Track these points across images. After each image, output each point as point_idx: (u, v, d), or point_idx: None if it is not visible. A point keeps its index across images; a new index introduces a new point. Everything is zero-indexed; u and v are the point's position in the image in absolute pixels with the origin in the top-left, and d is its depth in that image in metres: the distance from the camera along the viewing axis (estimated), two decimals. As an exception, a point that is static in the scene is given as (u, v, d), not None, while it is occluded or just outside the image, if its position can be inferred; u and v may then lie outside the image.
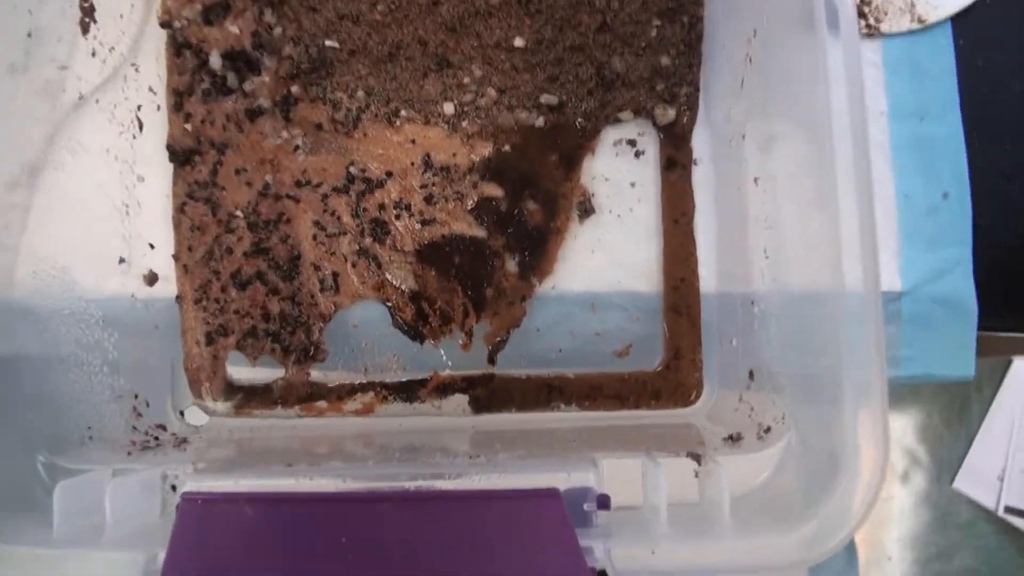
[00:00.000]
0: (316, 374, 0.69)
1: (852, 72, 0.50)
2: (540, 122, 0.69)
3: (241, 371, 0.69)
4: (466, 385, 0.69)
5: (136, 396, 0.64)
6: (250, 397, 0.69)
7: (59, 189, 0.63)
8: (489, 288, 0.69)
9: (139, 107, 0.67)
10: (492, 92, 0.69)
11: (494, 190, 0.70)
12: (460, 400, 0.69)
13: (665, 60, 0.69)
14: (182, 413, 0.68)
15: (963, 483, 0.97)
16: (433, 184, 0.69)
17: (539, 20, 0.68)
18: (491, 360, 0.70)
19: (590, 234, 0.70)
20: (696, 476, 0.51)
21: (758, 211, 0.61)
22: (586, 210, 0.70)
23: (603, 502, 0.48)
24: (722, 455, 0.52)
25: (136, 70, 0.67)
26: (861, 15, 0.73)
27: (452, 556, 0.44)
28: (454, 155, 0.70)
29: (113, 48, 0.66)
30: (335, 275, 0.69)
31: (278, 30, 0.68)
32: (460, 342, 0.69)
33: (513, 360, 0.70)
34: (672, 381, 0.69)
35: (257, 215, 0.69)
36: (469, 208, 0.70)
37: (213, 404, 0.69)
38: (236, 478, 0.49)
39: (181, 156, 0.68)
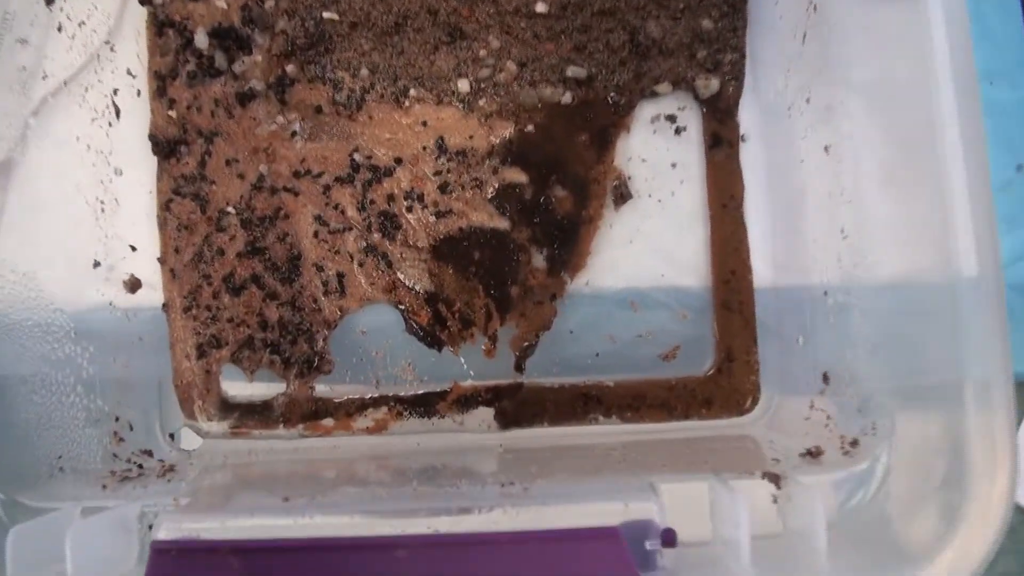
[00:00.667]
0: (321, 388, 0.62)
1: (956, 26, 0.42)
2: (567, 98, 0.62)
3: (237, 387, 0.62)
4: (491, 397, 0.62)
5: (117, 419, 0.57)
6: (248, 416, 0.62)
7: (21, 183, 0.55)
8: (514, 287, 0.62)
9: (115, 91, 0.60)
10: (512, 66, 0.62)
11: (517, 176, 0.62)
12: (485, 414, 0.62)
13: (707, 23, 0.61)
14: (172, 436, 0.60)
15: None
16: (448, 171, 0.62)
17: (564, -19, 0.60)
18: (519, 368, 0.62)
19: (627, 222, 0.62)
20: (775, 502, 0.42)
21: (831, 185, 0.53)
22: (622, 195, 0.62)
23: (668, 538, 0.40)
24: (802, 474, 0.43)
25: (112, 49, 0.60)
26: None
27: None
28: (471, 138, 0.62)
29: (83, 23, 0.59)
30: (340, 276, 0.61)
31: (270, 3, 0.61)
32: (483, 348, 0.62)
33: (544, 367, 0.62)
34: (725, 386, 0.61)
35: (251, 211, 0.61)
36: (489, 197, 0.62)
37: (207, 424, 0.61)
38: (223, 518, 0.41)
39: (165, 147, 0.61)
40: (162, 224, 0.61)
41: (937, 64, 0.43)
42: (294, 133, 0.62)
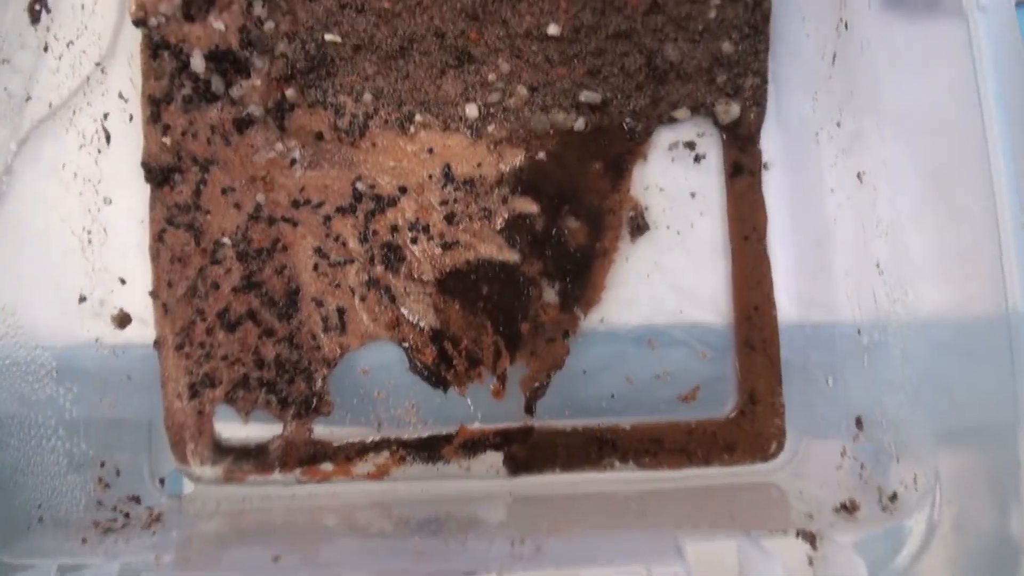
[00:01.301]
0: (320, 430, 0.59)
1: (1006, 46, 0.40)
2: (580, 124, 0.60)
3: (231, 429, 0.59)
4: (500, 441, 0.59)
5: (102, 464, 0.54)
6: (242, 459, 0.59)
7: (2, 213, 0.53)
8: (525, 323, 0.59)
9: (106, 116, 0.58)
10: (522, 90, 0.59)
11: (528, 205, 0.60)
12: (493, 459, 0.59)
13: (727, 46, 0.59)
14: (162, 481, 0.57)
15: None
16: (455, 200, 0.59)
17: (577, 2, 0.59)
18: (529, 410, 0.59)
19: (644, 255, 0.60)
20: (811, 564, 0.39)
21: (864, 216, 0.51)
22: (638, 226, 0.59)
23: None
24: (839, 532, 0.40)
25: (102, 71, 0.58)
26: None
27: None
28: (479, 165, 0.60)
29: (72, 43, 0.57)
30: (340, 311, 0.59)
31: (270, 24, 0.59)
32: (491, 388, 0.59)
33: (556, 409, 0.59)
34: (748, 430, 0.58)
35: (248, 242, 0.59)
36: (498, 227, 0.60)
37: (199, 469, 0.59)
38: (208, 580, 0.38)
39: (159, 175, 0.59)
40: (155, 256, 0.59)
41: (985, 87, 0.40)
42: (293, 161, 0.60)
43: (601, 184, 0.61)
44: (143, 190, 0.59)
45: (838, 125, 0.56)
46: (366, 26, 0.59)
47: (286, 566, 0.39)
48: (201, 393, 0.59)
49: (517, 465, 0.59)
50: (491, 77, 0.60)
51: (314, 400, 0.59)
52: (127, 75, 0.59)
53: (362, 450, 0.60)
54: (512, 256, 0.60)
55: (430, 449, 0.59)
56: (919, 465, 0.44)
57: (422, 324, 0.60)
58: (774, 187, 0.60)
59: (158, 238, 0.60)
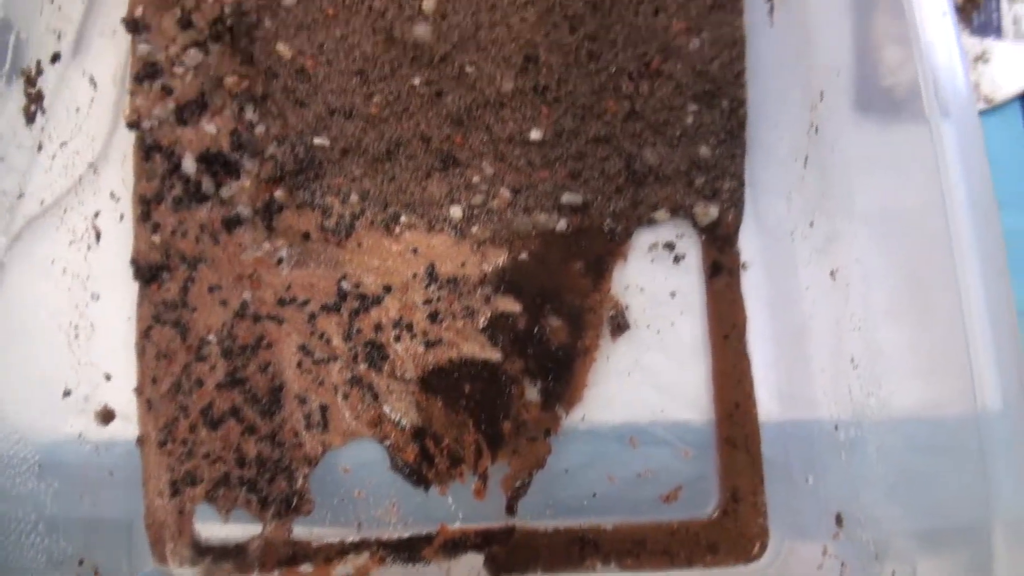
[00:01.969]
0: (300, 530, 0.62)
1: (971, 150, 0.44)
2: (562, 225, 0.64)
3: (211, 528, 0.62)
4: (481, 541, 0.62)
5: (81, 562, 0.57)
6: (221, 560, 0.62)
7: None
8: (507, 421, 0.63)
9: (96, 214, 0.64)
10: (506, 192, 0.64)
11: (510, 305, 0.64)
12: (474, 561, 0.62)
13: (704, 150, 0.64)
14: (139, 581, 0.60)
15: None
16: (439, 299, 0.63)
17: (558, 109, 0.64)
18: (511, 509, 0.62)
19: (625, 354, 0.64)
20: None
21: (838, 312, 0.56)
22: (619, 325, 0.63)
23: None
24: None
25: (94, 172, 0.64)
26: (920, 96, 0.68)
27: None
28: (463, 265, 0.64)
29: (66, 143, 0.63)
30: (323, 409, 0.63)
31: (260, 128, 0.64)
32: (473, 488, 0.62)
33: (537, 509, 0.62)
34: (731, 530, 0.61)
35: (233, 339, 0.63)
36: (481, 326, 0.64)
37: (178, 569, 0.62)
38: None
39: (147, 273, 0.64)
40: (140, 352, 0.63)
41: (953, 190, 0.44)
42: (280, 260, 0.64)
43: (582, 284, 0.65)
44: (131, 287, 0.64)
45: (811, 225, 0.61)
46: (354, 131, 0.65)
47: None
48: (182, 491, 0.62)
49: (498, 566, 0.62)
50: (475, 179, 0.65)
51: (294, 499, 0.62)
52: (119, 175, 0.65)
53: (342, 551, 0.62)
54: (494, 355, 0.63)
55: (410, 550, 0.62)
56: (897, 561, 0.47)
57: (404, 422, 0.63)
58: (752, 286, 0.65)
59: (144, 335, 0.64)
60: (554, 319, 0.65)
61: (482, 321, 0.64)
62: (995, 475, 0.42)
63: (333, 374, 0.64)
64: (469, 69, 0.64)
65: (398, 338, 0.65)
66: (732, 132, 0.66)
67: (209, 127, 0.66)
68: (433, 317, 0.65)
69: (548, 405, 0.64)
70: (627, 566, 0.62)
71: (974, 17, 0.72)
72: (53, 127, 0.62)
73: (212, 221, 0.65)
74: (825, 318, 0.60)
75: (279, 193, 0.65)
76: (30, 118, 0.61)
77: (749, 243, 0.65)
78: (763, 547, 0.62)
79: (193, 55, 0.66)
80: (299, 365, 0.64)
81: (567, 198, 0.65)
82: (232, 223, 0.65)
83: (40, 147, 0.61)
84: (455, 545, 0.62)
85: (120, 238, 0.64)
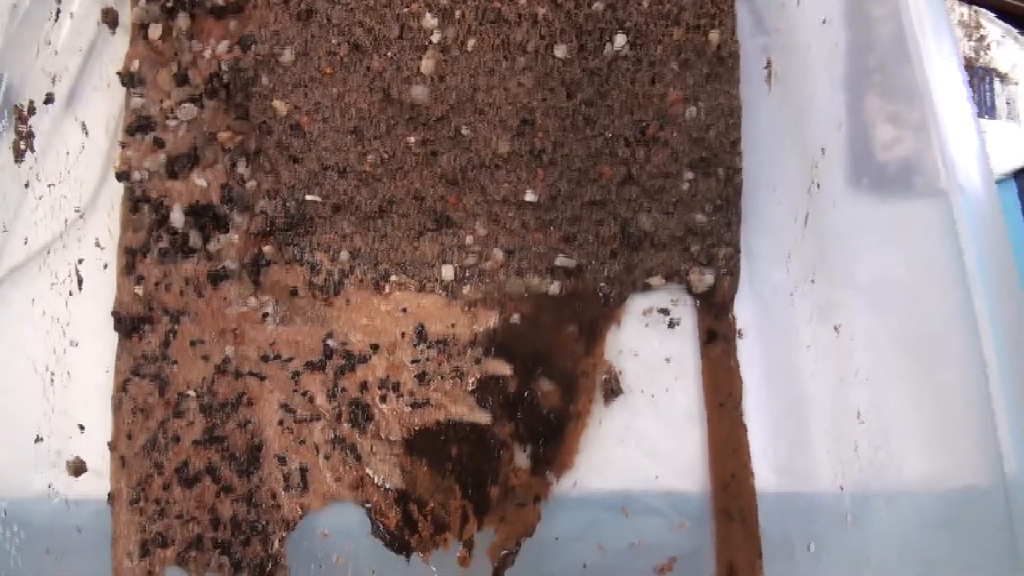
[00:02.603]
0: None
1: (989, 229, 0.53)
2: (555, 288, 0.71)
3: (180, 595, 0.66)
4: None
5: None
6: None
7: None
8: (494, 487, 0.68)
9: (80, 260, 0.70)
10: (499, 254, 0.72)
11: (501, 367, 0.70)
12: (457, 633, 0.65)
13: (700, 217, 0.72)
14: (100, 650, 0.63)
15: None
16: (427, 360, 0.70)
17: (553, 172, 0.72)
18: None
19: (618, 420, 0.70)
20: None
21: (842, 376, 0.62)
22: (612, 390, 0.69)
23: None
24: None
25: (81, 217, 0.71)
26: (915, 171, 0.77)
27: None
28: (453, 326, 0.70)
29: (54, 185, 0.70)
30: (303, 469, 0.68)
31: (252, 183, 0.72)
32: (457, 556, 0.67)
33: (525, 579, 0.68)
34: (727, 607, 0.65)
35: (213, 395, 0.69)
36: (470, 388, 0.70)
37: None
38: None
39: (128, 325, 0.70)
40: (116, 406, 0.69)
41: (969, 265, 0.52)
42: (266, 315, 0.70)
43: (575, 348, 0.71)
44: (111, 339, 0.70)
45: (812, 284, 0.68)
46: (347, 188, 0.72)
47: None
48: (152, 552, 0.67)
49: (482, 640, 0.66)
50: (468, 240, 0.73)
51: (269, 564, 0.67)
52: (105, 224, 0.72)
53: (317, 621, 0.66)
54: (483, 417, 0.69)
55: (391, 621, 0.66)
56: None
57: (387, 485, 0.68)
58: (749, 354, 0.71)
59: (122, 388, 0.70)
60: (546, 383, 0.71)
61: (471, 383, 0.71)
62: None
63: (315, 434, 0.70)
64: (465, 130, 0.72)
65: (384, 398, 0.70)
66: (728, 200, 0.74)
67: (200, 180, 0.74)
68: (421, 378, 0.71)
69: (538, 471, 0.69)
70: (618, 642, 0.67)
71: (969, 97, 0.83)
72: (42, 167, 0.69)
73: (198, 275, 0.72)
74: (826, 383, 0.66)
75: (267, 248, 0.73)
76: (19, 155, 0.68)
77: (745, 310, 0.72)
78: (761, 627, 0.67)
79: (187, 109, 0.74)
80: (280, 423, 0.70)
81: (561, 261, 0.73)
82: (218, 277, 0.72)
83: (27, 185, 0.69)
84: (437, 617, 0.67)
85: (102, 287, 0.71)
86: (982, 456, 0.53)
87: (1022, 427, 0.49)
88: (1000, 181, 0.80)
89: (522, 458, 0.69)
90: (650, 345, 0.72)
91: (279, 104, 0.72)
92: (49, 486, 0.66)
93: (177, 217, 0.72)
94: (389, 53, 0.72)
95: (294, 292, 0.72)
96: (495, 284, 0.73)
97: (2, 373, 0.66)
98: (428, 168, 0.73)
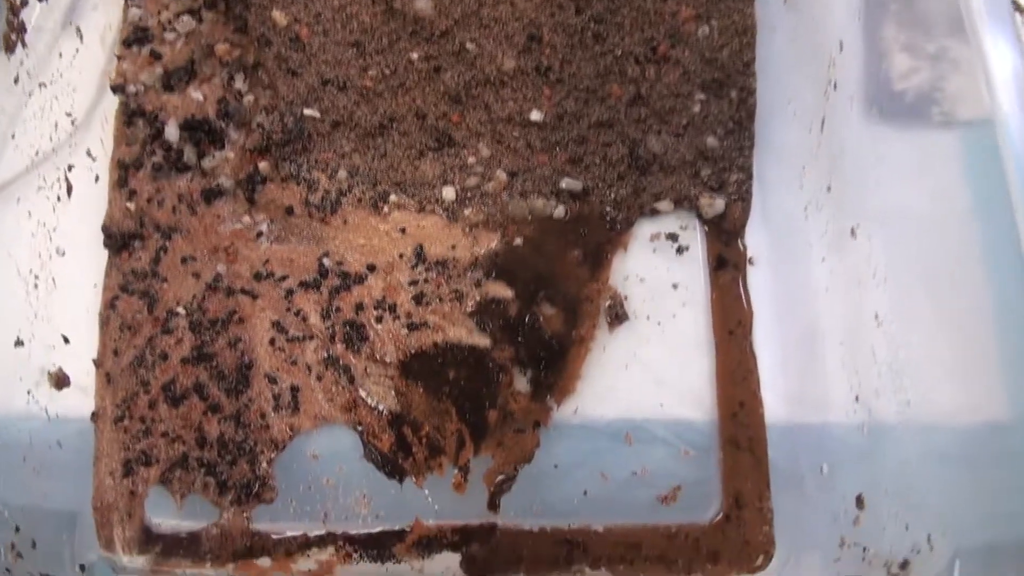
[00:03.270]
0: (260, 521, 0.63)
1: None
2: (560, 211, 0.68)
3: (164, 514, 0.63)
4: (458, 539, 0.63)
5: (17, 529, 0.57)
6: (172, 550, 0.63)
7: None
8: (492, 411, 0.65)
9: (70, 167, 0.68)
10: (502, 175, 0.68)
11: (502, 290, 0.67)
12: (450, 560, 0.63)
13: (711, 141, 0.69)
14: (82, 568, 0.60)
15: None
16: (426, 281, 0.67)
17: (560, 91, 0.69)
18: (493, 506, 0.64)
19: (623, 345, 0.67)
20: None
21: (858, 311, 0.60)
22: (617, 316, 0.66)
23: None
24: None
25: (72, 123, 0.68)
26: (932, 103, 0.74)
27: None
28: (453, 247, 0.67)
29: (44, 85, 0.67)
30: (294, 390, 0.65)
31: (249, 98, 0.69)
32: (452, 481, 0.64)
33: (522, 507, 0.64)
34: (734, 538, 0.63)
35: (203, 312, 0.66)
36: (469, 311, 0.67)
37: (125, 558, 0.63)
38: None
39: (119, 240, 0.67)
40: (104, 322, 0.66)
41: (1016, 199, 0.50)
42: (260, 234, 0.68)
43: (579, 272, 0.68)
44: (100, 254, 0.67)
45: (825, 212, 0.65)
46: (347, 103, 0.69)
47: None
48: (135, 471, 0.64)
49: (476, 568, 0.63)
50: (471, 160, 0.69)
51: (256, 485, 0.63)
52: (98, 135, 0.69)
53: (305, 544, 0.63)
54: (482, 340, 0.66)
55: (380, 546, 0.63)
56: (933, 524, 0.50)
57: (381, 407, 0.65)
58: (760, 282, 0.68)
59: (109, 305, 0.67)
60: (548, 307, 0.68)
61: (470, 305, 0.67)
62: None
63: (307, 354, 0.67)
64: (470, 46, 0.69)
65: (380, 319, 0.67)
66: (740, 123, 0.70)
67: (196, 94, 0.70)
68: (419, 299, 0.67)
69: (538, 396, 0.66)
70: (619, 572, 0.62)
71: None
72: (33, 64, 0.66)
73: (191, 191, 0.69)
74: (841, 316, 0.64)
75: (263, 165, 0.69)
76: (9, 47, 0.65)
77: (756, 238, 0.69)
78: (768, 558, 0.63)
79: (185, 22, 0.71)
80: (272, 343, 0.66)
81: (566, 184, 0.69)
82: (212, 194, 0.69)
83: (17, 80, 0.65)
84: (430, 543, 0.63)
85: (92, 200, 0.68)
86: (1004, 391, 0.50)
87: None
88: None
89: (522, 383, 0.66)
90: (657, 271, 0.69)
91: (278, 15, 0.69)
92: (29, 393, 0.63)
93: (172, 132, 0.69)
94: (392, -36, 0.70)
95: (290, 210, 0.69)
96: (497, 206, 0.69)
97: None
98: (431, 84, 0.70)
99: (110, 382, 0.65)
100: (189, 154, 0.69)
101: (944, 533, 0.50)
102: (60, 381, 0.64)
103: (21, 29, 0.65)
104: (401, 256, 0.68)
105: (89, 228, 0.67)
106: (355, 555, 0.63)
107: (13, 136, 0.64)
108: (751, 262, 0.69)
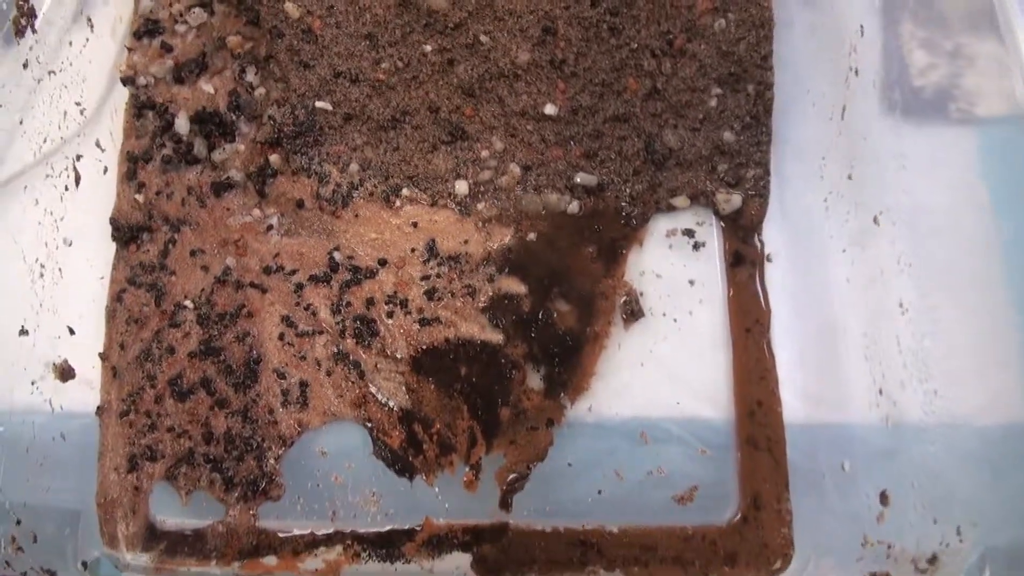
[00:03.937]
0: (267, 518, 0.61)
1: None
2: (574, 207, 0.66)
3: (168, 511, 0.61)
4: (469, 539, 0.61)
5: (19, 521, 0.55)
6: (177, 547, 0.61)
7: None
8: (505, 408, 0.63)
9: (79, 157, 0.66)
10: (516, 169, 0.67)
11: (515, 286, 0.65)
12: (460, 560, 0.61)
13: (728, 135, 0.67)
14: (84, 564, 0.58)
15: None
16: (438, 276, 0.65)
17: (575, 84, 0.67)
18: (505, 505, 0.62)
19: (638, 342, 0.65)
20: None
21: (879, 308, 0.58)
22: (632, 312, 0.64)
23: None
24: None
25: (82, 113, 0.66)
26: (950, 99, 0.72)
27: None
28: (465, 242, 0.65)
29: (54, 73, 0.66)
30: (303, 385, 0.63)
31: (261, 91, 0.68)
32: (463, 479, 0.62)
33: (535, 506, 0.62)
34: (752, 539, 0.60)
35: (211, 306, 0.64)
36: (482, 306, 0.65)
37: (129, 554, 0.60)
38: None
39: (127, 233, 0.65)
40: (110, 316, 0.64)
41: None
42: (270, 227, 0.66)
43: (594, 268, 0.66)
44: (107, 246, 0.66)
45: (845, 218, 0.63)
46: (359, 96, 0.68)
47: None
48: (140, 466, 0.62)
49: (487, 568, 0.61)
50: (484, 154, 0.68)
51: (263, 482, 0.61)
52: (108, 127, 0.67)
53: (312, 543, 0.61)
54: (495, 337, 0.64)
55: (390, 545, 0.61)
56: (963, 515, 0.48)
57: (391, 404, 0.63)
58: (778, 279, 0.66)
59: (117, 298, 0.65)
60: (562, 303, 0.66)
61: (483, 301, 0.65)
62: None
63: (317, 348, 0.65)
64: (484, 38, 0.67)
65: (391, 314, 0.65)
66: (758, 117, 0.68)
67: (207, 87, 0.69)
68: (430, 294, 0.66)
69: (552, 393, 0.64)
70: (634, 574, 0.60)
71: None
72: (42, 50, 0.65)
73: (201, 184, 0.67)
74: (863, 307, 0.62)
75: (274, 158, 0.68)
76: (19, 32, 0.64)
77: (774, 234, 0.67)
78: (787, 561, 0.60)
79: (197, 14, 0.70)
80: (280, 337, 0.65)
81: (581, 178, 0.67)
82: (222, 187, 0.67)
83: (26, 64, 0.64)
84: (440, 542, 0.61)
85: (101, 192, 0.66)
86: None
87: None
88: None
89: (535, 380, 0.64)
90: (673, 267, 0.67)
91: (291, 7, 0.67)
92: (33, 384, 0.61)
93: (182, 124, 0.68)
94: (406, -44, 0.68)
95: (300, 204, 0.67)
96: (511, 201, 0.68)
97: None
98: (444, 77, 0.68)
99: (116, 376, 0.63)
100: (199, 147, 0.67)
101: (975, 524, 0.48)
102: (65, 373, 0.62)
103: (31, 14, 0.64)
104: (413, 251, 0.66)
105: (97, 220, 0.65)
106: (363, 554, 0.61)
107: (21, 122, 0.63)
108: (769, 259, 0.66)
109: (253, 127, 0.68)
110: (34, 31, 0.64)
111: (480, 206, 0.67)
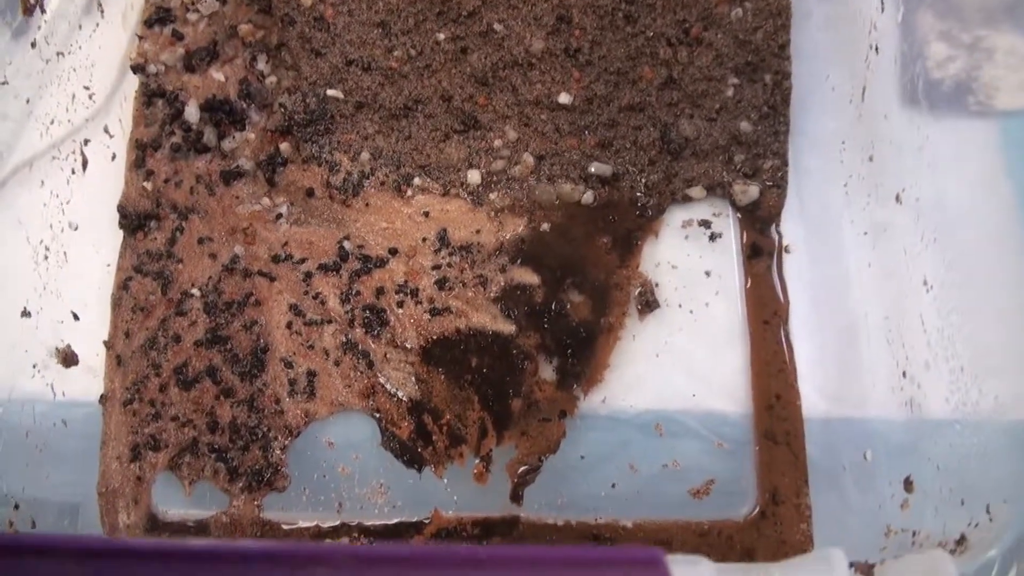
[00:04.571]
0: (272, 509, 0.59)
1: None
2: (588, 197, 0.64)
3: (171, 501, 0.59)
4: (479, 532, 0.59)
5: (17, 506, 0.53)
6: (179, 537, 0.58)
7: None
8: (517, 400, 0.61)
9: (86, 142, 0.64)
10: (529, 159, 0.65)
11: (528, 276, 0.63)
12: (470, 554, 0.57)
13: (745, 125, 0.65)
14: (82, 555, 0.56)
15: None
16: (449, 265, 0.63)
17: (590, 73, 0.66)
18: (516, 498, 0.59)
19: (653, 334, 0.63)
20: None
21: (898, 303, 0.58)
22: (648, 304, 0.62)
23: None
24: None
25: (90, 97, 0.65)
26: (968, 91, 0.71)
27: None
28: (478, 232, 0.64)
29: (62, 55, 0.65)
30: (311, 375, 0.61)
31: (272, 79, 0.67)
32: (473, 471, 0.60)
33: (546, 499, 0.60)
34: (770, 535, 0.58)
35: (218, 294, 0.62)
36: (494, 297, 0.63)
37: None
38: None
39: (134, 221, 0.64)
40: (116, 304, 0.63)
41: None
42: (279, 216, 0.64)
43: (608, 259, 0.64)
44: (114, 233, 0.64)
45: (866, 201, 0.62)
46: (371, 84, 0.66)
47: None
48: (143, 455, 0.60)
49: (497, 563, 0.58)
50: (497, 144, 0.66)
51: (268, 472, 0.60)
52: (117, 114, 0.66)
53: (318, 535, 0.59)
54: (507, 327, 0.62)
55: (397, 538, 0.59)
56: (992, 495, 0.46)
57: (400, 394, 0.61)
58: (796, 271, 0.64)
59: (123, 286, 0.63)
60: (575, 294, 0.64)
61: (495, 291, 0.63)
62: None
63: (325, 338, 0.63)
64: (498, 26, 0.66)
65: (401, 304, 0.64)
66: (775, 107, 0.67)
67: (217, 75, 0.68)
68: (441, 284, 0.64)
69: (565, 384, 0.62)
70: (648, 570, 0.59)
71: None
72: (52, 31, 0.64)
73: (210, 172, 0.66)
74: (886, 291, 0.60)
75: (284, 146, 0.66)
76: (28, 10, 0.63)
77: (793, 225, 0.65)
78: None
79: (209, 3, 0.68)
80: (288, 326, 0.63)
81: (596, 168, 0.66)
82: (231, 176, 0.66)
83: (34, 44, 0.63)
84: (449, 535, 0.59)
85: (109, 179, 0.65)
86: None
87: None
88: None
89: (548, 371, 0.62)
90: (690, 258, 0.65)
91: (303, -5, 0.67)
92: (35, 367, 0.59)
93: (192, 112, 0.66)
94: (419, -57, 0.67)
95: (310, 193, 0.66)
96: (524, 191, 0.66)
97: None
98: (457, 66, 0.67)
99: (120, 364, 0.62)
100: (209, 135, 0.66)
101: (1006, 500, 0.46)
102: (68, 359, 0.61)
103: (42, -5, 0.63)
104: (424, 240, 0.65)
105: (104, 207, 0.64)
106: (370, 547, 0.59)
107: (28, 101, 0.62)
108: (787, 250, 0.65)
109: (264, 115, 0.67)
110: (43, 11, 0.63)
111: (493, 196, 0.66)
